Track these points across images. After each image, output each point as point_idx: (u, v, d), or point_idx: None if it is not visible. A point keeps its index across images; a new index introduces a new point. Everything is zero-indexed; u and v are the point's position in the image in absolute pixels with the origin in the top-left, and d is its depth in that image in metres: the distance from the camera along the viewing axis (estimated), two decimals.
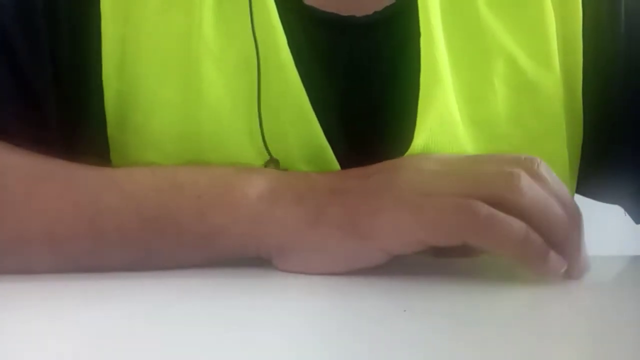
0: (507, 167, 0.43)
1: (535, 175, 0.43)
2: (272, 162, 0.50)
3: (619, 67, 0.55)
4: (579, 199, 0.58)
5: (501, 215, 0.41)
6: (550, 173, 0.44)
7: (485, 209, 0.41)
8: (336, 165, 0.50)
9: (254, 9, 0.50)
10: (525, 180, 0.42)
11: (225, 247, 0.46)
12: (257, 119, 0.49)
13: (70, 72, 0.51)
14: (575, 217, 0.43)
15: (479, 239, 0.42)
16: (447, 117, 0.50)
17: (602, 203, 0.62)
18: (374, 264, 0.44)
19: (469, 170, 0.44)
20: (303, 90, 0.50)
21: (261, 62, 0.49)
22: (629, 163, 0.57)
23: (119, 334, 0.34)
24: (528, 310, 0.40)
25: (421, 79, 0.50)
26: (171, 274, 0.45)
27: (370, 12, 0.53)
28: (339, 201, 0.45)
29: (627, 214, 0.61)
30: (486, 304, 0.41)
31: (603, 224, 0.76)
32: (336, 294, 0.42)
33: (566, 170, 0.55)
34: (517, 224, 0.41)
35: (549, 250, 0.42)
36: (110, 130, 0.51)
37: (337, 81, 0.53)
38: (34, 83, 0.51)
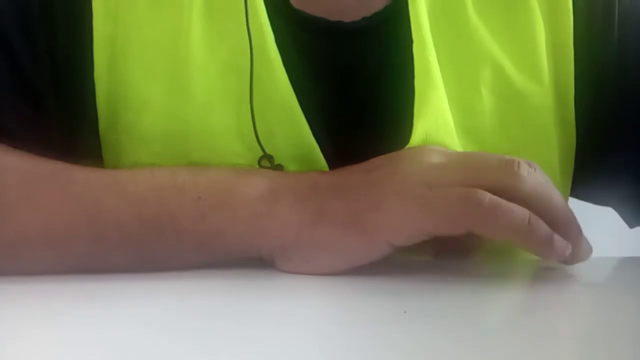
0: (507, 157, 0.44)
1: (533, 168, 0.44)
2: (266, 158, 0.50)
3: (611, 75, 0.55)
4: (575, 200, 0.59)
5: (504, 202, 0.42)
6: (546, 177, 0.44)
7: (488, 198, 0.42)
8: (324, 165, 0.50)
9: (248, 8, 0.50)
10: (525, 168, 0.43)
11: (226, 248, 0.46)
12: (246, 118, 0.49)
13: (65, 71, 0.51)
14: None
15: (483, 227, 0.42)
16: (442, 121, 0.50)
17: (598, 206, 0.62)
18: (378, 257, 0.44)
19: (470, 161, 0.45)
20: (291, 89, 0.50)
21: (253, 61, 0.50)
22: (621, 168, 0.57)
23: (119, 335, 0.34)
24: (527, 311, 0.40)
25: (415, 83, 0.50)
26: (172, 276, 0.45)
27: (358, 18, 0.53)
28: (341, 197, 0.45)
29: (621, 218, 0.61)
30: (486, 304, 0.41)
31: (600, 226, 0.76)
32: (336, 295, 0.42)
33: (556, 179, 0.55)
34: (519, 211, 0.42)
35: (552, 234, 0.42)
36: (102, 129, 0.51)
37: (324, 84, 0.53)
38: (33, 84, 0.51)
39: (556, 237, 0.42)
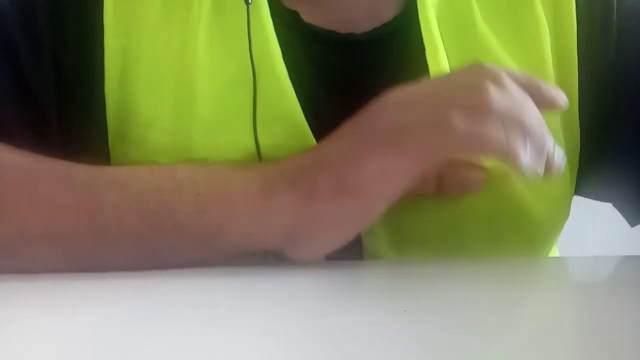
0: (474, 82, 0.44)
1: (501, 87, 0.44)
2: None
3: (611, 79, 0.56)
4: (577, 200, 0.59)
5: (478, 124, 0.42)
6: (514, 86, 0.44)
7: (462, 122, 0.42)
8: None
9: (251, 24, 0.50)
10: (493, 91, 0.43)
11: (227, 243, 0.46)
12: (252, 133, 0.50)
13: (75, 82, 0.52)
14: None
15: (464, 152, 0.43)
16: None
17: (598, 206, 0.62)
18: (378, 214, 0.45)
19: (436, 94, 0.45)
20: (297, 104, 0.50)
21: (256, 76, 0.50)
22: (622, 168, 0.57)
23: (118, 334, 0.34)
24: (526, 311, 0.40)
25: None
26: (171, 274, 0.45)
27: (369, 29, 0.54)
28: (325, 170, 0.45)
29: (623, 217, 0.62)
30: (485, 304, 0.41)
31: (600, 225, 0.76)
32: (335, 295, 0.42)
33: (567, 181, 0.55)
34: (495, 126, 0.42)
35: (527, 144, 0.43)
36: (112, 140, 0.52)
37: (337, 98, 0.53)
38: (35, 87, 0.51)
39: (529, 145, 0.43)
